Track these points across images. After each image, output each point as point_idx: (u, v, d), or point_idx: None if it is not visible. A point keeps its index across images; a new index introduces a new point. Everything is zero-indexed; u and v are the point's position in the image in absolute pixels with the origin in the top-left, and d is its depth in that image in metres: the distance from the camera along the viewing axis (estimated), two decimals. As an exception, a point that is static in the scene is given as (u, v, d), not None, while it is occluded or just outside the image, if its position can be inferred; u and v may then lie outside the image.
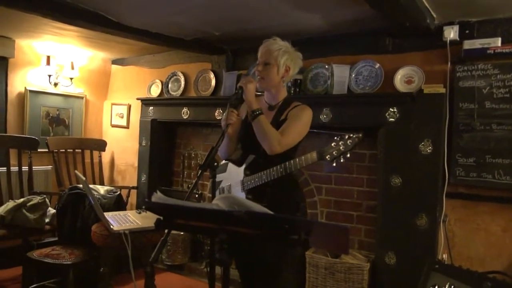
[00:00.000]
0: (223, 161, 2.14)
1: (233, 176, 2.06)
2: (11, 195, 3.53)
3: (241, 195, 1.98)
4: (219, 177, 2.10)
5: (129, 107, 4.74)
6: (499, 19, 2.64)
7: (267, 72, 2.00)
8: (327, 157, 1.86)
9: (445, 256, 2.76)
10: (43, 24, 3.29)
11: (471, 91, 2.69)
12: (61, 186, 3.92)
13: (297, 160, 1.89)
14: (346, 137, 1.86)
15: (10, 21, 3.33)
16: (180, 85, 4.19)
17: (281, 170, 1.88)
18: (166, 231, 1.56)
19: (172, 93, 4.24)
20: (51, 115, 4.44)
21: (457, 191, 2.77)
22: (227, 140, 2.05)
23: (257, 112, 1.91)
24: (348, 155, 1.87)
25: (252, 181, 1.96)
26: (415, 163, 2.78)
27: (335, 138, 1.88)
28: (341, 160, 1.87)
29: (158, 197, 1.34)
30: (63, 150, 4.12)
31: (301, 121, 1.98)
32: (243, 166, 2.03)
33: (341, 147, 1.85)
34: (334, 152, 1.86)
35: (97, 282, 2.75)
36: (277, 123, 1.98)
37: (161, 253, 3.74)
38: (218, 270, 1.46)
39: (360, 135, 1.86)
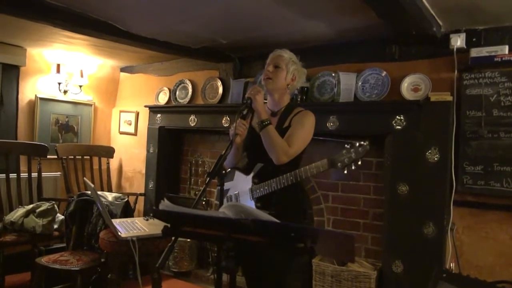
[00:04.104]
0: (229, 169, 2.15)
1: (240, 184, 2.07)
2: (21, 201, 3.57)
3: (250, 203, 1.99)
4: (226, 185, 2.11)
5: (137, 114, 4.78)
6: (506, 27, 2.63)
7: (276, 74, 2.04)
8: (338, 165, 1.86)
9: (452, 265, 2.74)
10: (53, 33, 3.35)
11: (478, 99, 2.69)
12: (69, 192, 3.96)
13: (308, 167, 1.89)
14: (357, 144, 1.85)
15: (21, 31, 3.40)
16: (187, 93, 4.23)
17: (291, 178, 1.89)
18: (173, 238, 1.57)
19: (180, 100, 4.27)
20: (60, 122, 4.50)
21: (465, 199, 2.75)
22: (234, 149, 2.06)
23: (266, 123, 1.93)
24: (360, 163, 1.86)
25: (261, 189, 1.97)
26: (422, 171, 2.77)
27: (346, 146, 1.88)
28: (352, 168, 1.87)
29: (165, 204, 1.36)
30: (72, 157, 4.17)
31: (304, 129, 2.00)
32: (251, 175, 2.03)
33: (352, 155, 1.85)
34: (345, 160, 1.85)
35: (105, 288, 2.77)
36: (281, 130, 2.00)
37: (168, 260, 3.77)
38: (225, 277, 1.47)
39: (367, 142, 1.86)
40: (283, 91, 2.09)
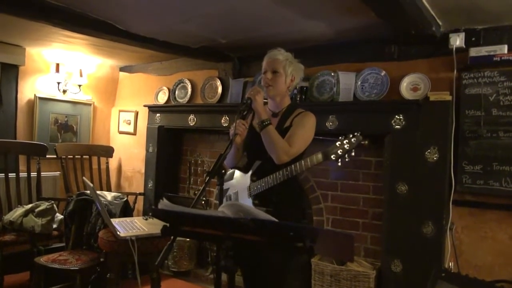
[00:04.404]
0: (230, 169, 2.16)
1: (240, 183, 2.07)
2: (20, 200, 3.56)
3: (248, 201, 1.99)
4: (226, 184, 2.12)
5: (137, 114, 4.78)
6: (505, 27, 2.64)
7: (275, 80, 2.04)
8: (332, 157, 1.86)
9: (451, 264, 2.74)
10: (53, 32, 3.35)
11: (478, 99, 2.69)
12: (68, 192, 3.96)
13: (303, 162, 1.89)
14: (350, 135, 1.86)
15: (21, 30, 3.39)
16: (187, 92, 4.22)
17: (286, 173, 1.89)
18: (172, 237, 1.57)
19: (179, 100, 4.27)
20: (59, 121, 4.50)
21: (464, 198, 2.75)
22: (234, 149, 2.07)
23: (266, 123, 1.94)
24: (353, 153, 1.86)
25: (259, 186, 1.97)
26: (421, 171, 2.77)
27: (340, 137, 1.88)
28: (346, 159, 1.86)
29: (164, 204, 1.35)
30: (71, 157, 4.17)
31: (305, 129, 2.01)
32: (250, 172, 2.04)
33: (345, 146, 1.85)
34: (339, 151, 1.85)
35: (104, 287, 2.77)
36: (281, 130, 2.00)
37: (167, 259, 3.77)
38: (224, 276, 1.47)
39: (360, 133, 1.87)
40: (284, 94, 2.10)
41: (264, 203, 1.95)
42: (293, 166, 1.89)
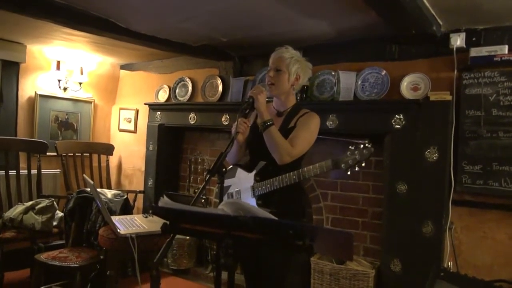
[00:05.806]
0: (231, 166, 2.15)
1: (242, 181, 2.07)
2: (20, 197, 3.57)
3: (251, 201, 1.99)
4: (227, 182, 2.11)
5: (137, 112, 4.78)
6: (505, 27, 2.64)
7: (278, 79, 2.02)
8: (342, 166, 1.85)
9: (450, 264, 2.74)
10: (54, 30, 3.35)
11: (478, 99, 2.69)
12: (69, 189, 3.97)
13: (311, 167, 1.88)
14: (362, 146, 1.84)
15: (22, 27, 3.40)
16: (187, 91, 4.23)
17: (294, 177, 1.89)
18: (171, 234, 1.57)
19: (180, 98, 4.28)
20: (60, 119, 4.50)
21: (464, 198, 2.75)
22: (237, 147, 2.06)
23: (268, 123, 1.92)
24: (363, 164, 1.85)
25: (264, 187, 1.96)
26: (421, 170, 2.77)
27: (350, 147, 1.86)
28: (356, 169, 1.85)
29: (164, 201, 1.36)
30: (71, 154, 4.17)
31: (309, 130, 1.99)
32: (253, 172, 2.03)
33: (356, 156, 1.83)
34: (349, 161, 1.84)
35: (104, 285, 2.78)
36: (285, 130, 2.00)
37: (167, 257, 3.77)
38: (224, 275, 1.47)
39: (371, 145, 1.86)
40: (288, 93, 2.08)
41: (267, 204, 1.94)
42: (301, 171, 1.88)
